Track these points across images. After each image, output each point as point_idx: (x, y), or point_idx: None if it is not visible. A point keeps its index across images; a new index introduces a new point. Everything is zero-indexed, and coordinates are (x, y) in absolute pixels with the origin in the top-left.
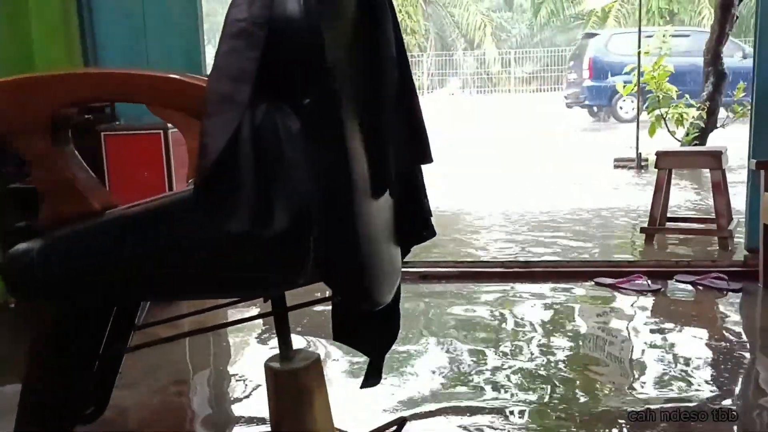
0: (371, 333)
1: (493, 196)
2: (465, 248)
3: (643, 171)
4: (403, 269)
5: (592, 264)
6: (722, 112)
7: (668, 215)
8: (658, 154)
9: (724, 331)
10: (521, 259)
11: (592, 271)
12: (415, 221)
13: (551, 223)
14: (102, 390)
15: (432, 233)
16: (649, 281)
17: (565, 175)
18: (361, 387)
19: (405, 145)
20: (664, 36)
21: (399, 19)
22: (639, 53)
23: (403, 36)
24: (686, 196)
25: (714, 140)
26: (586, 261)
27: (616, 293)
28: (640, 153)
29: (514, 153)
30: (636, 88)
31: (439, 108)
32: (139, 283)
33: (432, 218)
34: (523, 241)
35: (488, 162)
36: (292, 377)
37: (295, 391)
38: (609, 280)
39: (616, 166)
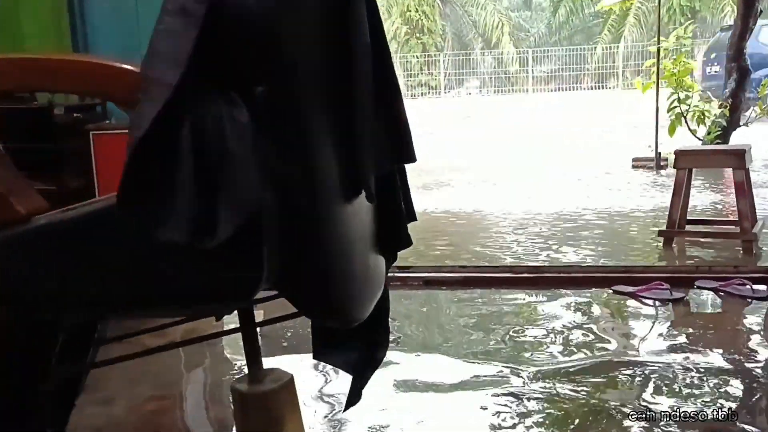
0: (353, 350)
1: (511, 197)
2: (476, 248)
3: (662, 171)
4: (407, 274)
5: (608, 269)
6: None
7: (688, 217)
8: (677, 153)
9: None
10: (531, 263)
11: (609, 277)
12: (392, 227)
13: (566, 224)
14: (60, 410)
15: (406, 242)
16: (671, 289)
17: (582, 174)
18: (344, 410)
19: (384, 142)
20: (685, 31)
21: (415, 19)
22: (658, 50)
23: (420, 36)
24: (707, 197)
25: (737, 139)
26: (602, 267)
27: (636, 303)
28: (660, 152)
29: (536, 152)
30: (655, 85)
31: (467, 107)
32: (63, 299)
33: (416, 220)
34: (534, 244)
35: (512, 161)
36: (261, 401)
37: (265, 416)
38: (628, 288)
39: (634, 166)
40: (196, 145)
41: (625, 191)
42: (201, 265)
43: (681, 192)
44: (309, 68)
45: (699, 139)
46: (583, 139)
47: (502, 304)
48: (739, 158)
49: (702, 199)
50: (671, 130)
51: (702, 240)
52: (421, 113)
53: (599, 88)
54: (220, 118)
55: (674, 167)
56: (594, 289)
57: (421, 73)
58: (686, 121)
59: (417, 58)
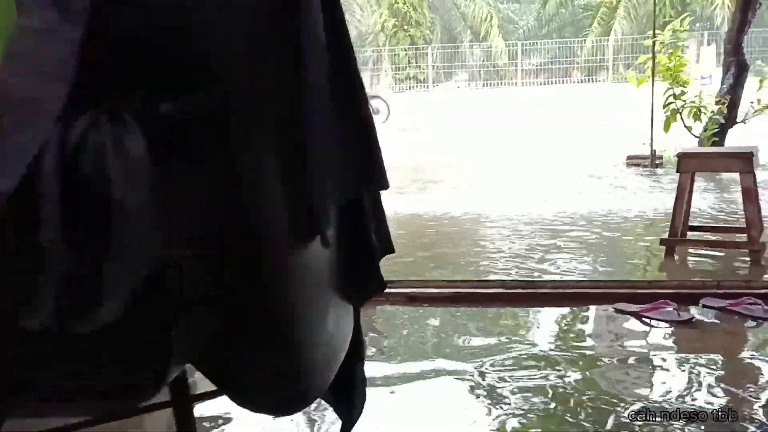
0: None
1: (503, 199)
2: (464, 258)
3: (658, 170)
4: (389, 290)
5: (607, 284)
6: (743, 106)
7: (690, 223)
8: (681, 156)
9: None
10: (525, 276)
11: (609, 293)
12: (360, 267)
13: (561, 229)
14: None
15: (377, 285)
16: (678, 310)
17: (576, 174)
18: None
19: (347, 163)
20: (681, 24)
21: (403, 11)
22: (654, 43)
23: (408, 28)
24: (706, 198)
25: (734, 136)
26: (601, 282)
27: (643, 326)
28: (655, 150)
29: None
30: (650, 80)
31: (456, 101)
32: None
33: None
34: (528, 252)
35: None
36: None
37: None
38: (631, 307)
39: (628, 164)
40: (70, 191)
41: (621, 192)
42: (83, 354)
43: (684, 197)
44: (239, 75)
45: (695, 136)
46: (575, 136)
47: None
48: (746, 162)
49: (700, 200)
50: (666, 127)
51: (707, 250)
52: (409, 108)
53: (589, 82)
54: (102, 151)
55: (677, 171)
56: (594, 307)
57: (409, 66)
58: (682, 118)
59: (405, 51)
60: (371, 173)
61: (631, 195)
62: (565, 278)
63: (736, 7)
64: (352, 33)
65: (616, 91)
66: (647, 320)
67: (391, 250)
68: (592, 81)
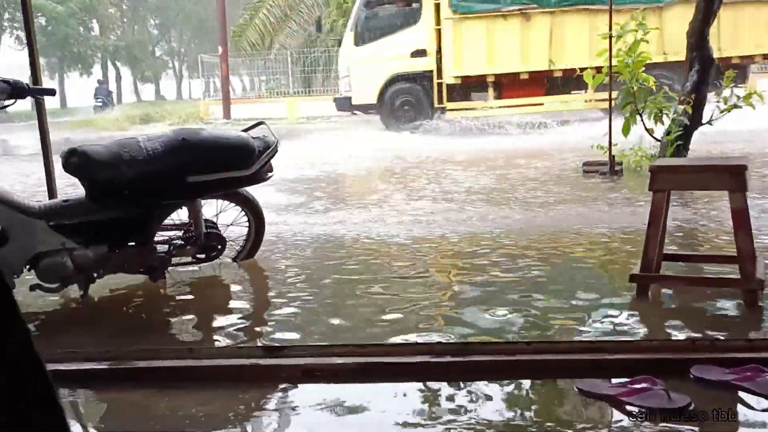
0: None
1: (440, 217)
2: (371, 307)
3: (617, 177)
4: (279, 362)
5: (564, 348)
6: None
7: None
8: (655, 170)
9: None
10: (456, 338)
11: (567, 360)
12: None
13: (501, 257)
14: None
15: None
16: (666, 389)
17: (528, 183)
18: None
19: None
20: (643, 18)
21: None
22: (610, 36)
23: None
24: (674, 213)
25: (700, 139)
26: (554, 344)
27: (622, 418)
28: (614, 156)
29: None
30: (607, 79)
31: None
32: None
33: None
34: (458, 295)
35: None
36: None
37: None
38: (601, 387)
39: (585, 171)
40: None
41: (578, 206)
42: None
43: (659, 222)
44: None
45: (656, 139)
46: (529, 141)
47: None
48: (738, 178)
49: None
50: (626, 130)
51: (687, 288)
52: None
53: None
54: None
55: (650, 188)
56: (543, 382)
57: None
58: (642, 120)
59: None
60: None
61: (589, 210)
62: (505, 337)
63: None
64: (301, 34)
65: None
66: (628, 407)
67: None
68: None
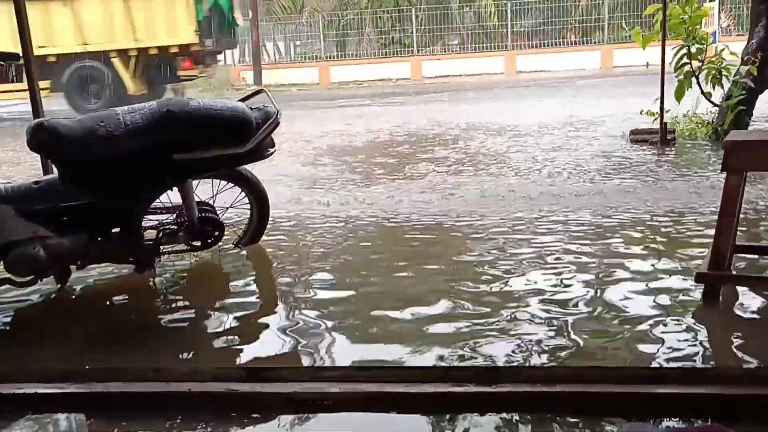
0: None
1: (482, 191)
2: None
3: (669, 148)
4: (262, 389)
5: (618, 375)
6: None
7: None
8: (729, 145)
9: None
10: (479, 359)
11: (615, 394)
12: None
13: (539, 238)
14: None
15: None
16: None
17: (571, 155)
18: None
19: None
20: None
21: None
22: None
23: None
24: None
25: (764, 103)
26: (607, 370)
27: None
28: (666, 123)
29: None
30: (660, 36)
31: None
32: None
33: None
34: (476, 305)
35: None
36: None
37: None
38: None
39: (633, 140)
40: None
41: (626, 184)
42: None
43: (734, 209)
44: None
45: (715, 104)
46: (570, 107)
47: None
48: None
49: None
50: (679, 94)
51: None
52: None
53: (585, 43)
54: None
55: (724, 169)
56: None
57: (393, 30)
58: (698, 82)
59: (388, 13)
60: None
61: (639, 187)
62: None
63: None
64: None
65: (616, 55)
66: None
67: None
68: (588, 43)
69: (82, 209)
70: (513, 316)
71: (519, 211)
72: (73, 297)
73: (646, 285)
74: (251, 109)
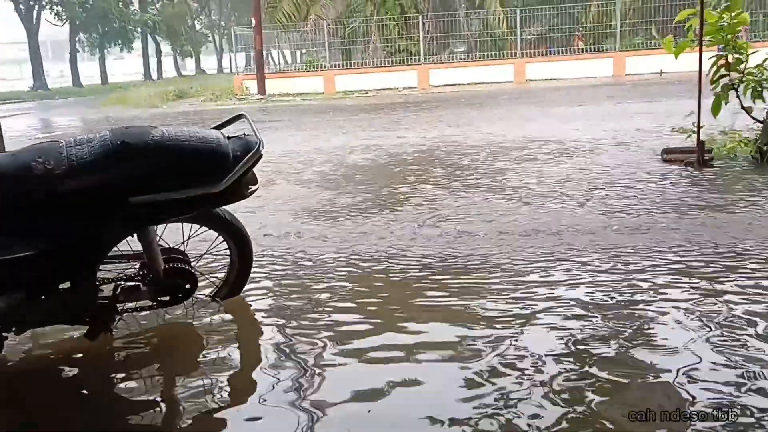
0: None
1: (498, 221)
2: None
3: (707, 169)
4: None
5: None
6: None
7: None
8: None
9: None
10: None
11: None
12: None
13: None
14: None
15: None
16: None
17: (597, 178)
18: None
19: None
20: None
21: None
22: None
23: None
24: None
25: None
26: None
27: None
28: (703, 142)
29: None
30: (697, 45)
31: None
32: None
33: None
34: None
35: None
36: None
37: None
38: None
39: (666, 160)
40: None
41: (669, 214)
42: None
43: None
44: None
45: (758, 120)
46: (590, 123)
47: None
48: None
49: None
50: (716, 109)
51: None
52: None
53: (595, 51)
54: None
55: None
56: None
57: (400, 38)
58: (738, 95)
59: (395, 20)
60: None
61: (685, 218)
62: None
63: None
64: (339, 3)
65: (631, 64)
66: None
67: None
68: (598, 50)
69: (19, 261)
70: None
71: (587, 253)
72: (8, 365)
73: None
74: (228, 138)
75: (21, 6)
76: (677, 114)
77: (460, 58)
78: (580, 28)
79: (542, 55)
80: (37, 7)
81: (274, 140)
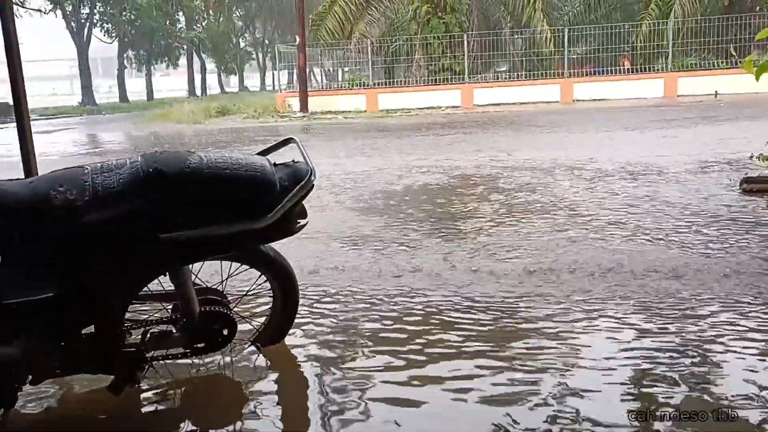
0: None
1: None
2: None
3: None
4: None
5: None
6: None
7: None
8: None
9: None
10: None
11: None
12: None
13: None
14: None
15: None
16: None
17: (666, 215)
18: None
19: None
20: None
21: None
22: None
23: (442, 14)
24: None
25: None
26: None
27: None
28: None
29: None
30: None
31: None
32: None
33: None
34: None
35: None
36: None
37: None
38: None
39: (745, 190)
40: None
41: (746, 257)
42: None
43: None
44: None
45: None
46: (654, 151)
47: None
48: None
49: None
50: None
51: None
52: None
53: (645, 71)
54: None
55: None
56: None
57: (444, 57)
58: None
59: (439, 39)
60: None
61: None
62: None
63: None
64: (383, 22)
65: (685, 85)
66: None
67: None
68: (649, 70)
69: (35, 304)
70: None
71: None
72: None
73: None
74: (275, 165)
75: (72, 24)
76: (737, 138)
77: (504, 78)
78: (628, 48)
79: (588, 74)
80: (87, 24)
81: (324, 163)
